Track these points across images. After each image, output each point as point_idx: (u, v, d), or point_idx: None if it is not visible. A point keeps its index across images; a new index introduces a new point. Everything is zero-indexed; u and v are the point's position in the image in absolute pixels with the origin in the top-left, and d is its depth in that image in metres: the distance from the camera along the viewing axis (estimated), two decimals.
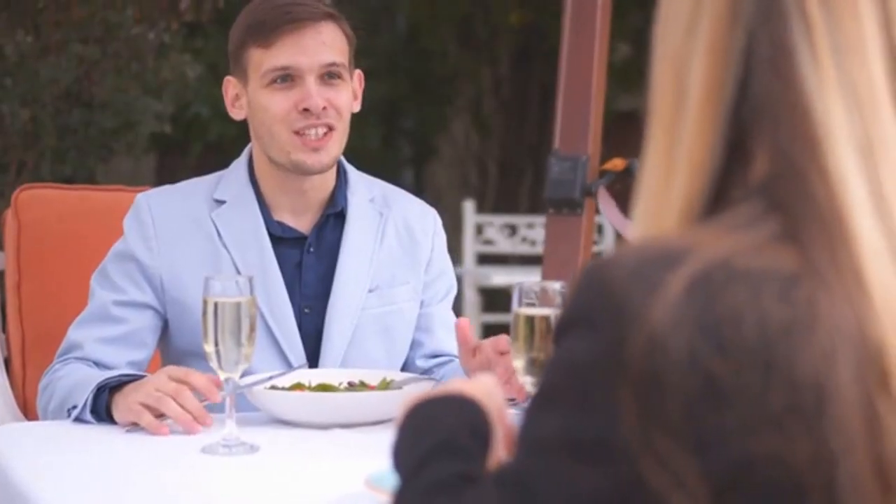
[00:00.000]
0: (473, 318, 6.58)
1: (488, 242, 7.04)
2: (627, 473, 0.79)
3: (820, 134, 0.83)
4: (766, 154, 0.85)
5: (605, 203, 1.88)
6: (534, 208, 8.50)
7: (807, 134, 0.83)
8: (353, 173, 2.22)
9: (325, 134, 2.08)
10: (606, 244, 6.98)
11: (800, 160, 0.82)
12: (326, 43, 2.08)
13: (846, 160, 0.82)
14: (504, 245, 7.05)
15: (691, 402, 0.78)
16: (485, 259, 7.13)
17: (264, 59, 2.07)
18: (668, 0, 0.91)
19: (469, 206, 6.95)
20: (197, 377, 1.84)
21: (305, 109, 2.06)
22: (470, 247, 6.82)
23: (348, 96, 2.12)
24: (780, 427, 0.77)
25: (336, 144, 2.11)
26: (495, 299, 7.33)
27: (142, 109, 4.29)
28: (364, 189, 2.22)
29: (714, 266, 0.80)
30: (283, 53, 2.06)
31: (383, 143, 8.57)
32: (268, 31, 2.07)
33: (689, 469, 0.78)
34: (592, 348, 0.81)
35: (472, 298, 6.60)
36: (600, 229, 6.80)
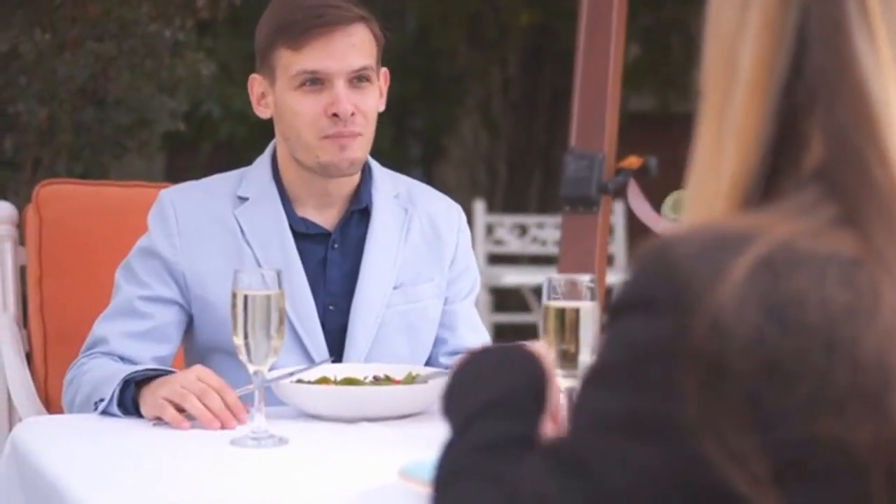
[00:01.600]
0: (484, 318, 6.59)
1: (499, 242, 7.05)
2: (688, 452, 0.80)
3: (879, 115, 0.83)
4: (821, 136, 0.85)
5: (635, 197, 1.87)
6: (543, 208, 8.50)
7: (865, 114, 0.83)
8: (377, 170, 2.23)
9: (352, 137, 2.09)
10: (617, 245, 6.98)
11: (858, 141, 0.83)
12: (356, 46, 2.08)
13: None
14: (514, 245, 7.05)
15: (754, 382, 0.79)
16: (495, 259, 7.14)
17: (293, 62, 2.07)
18: None
19: (479, 206, 6.96)
20: (229, 395, 1.84)
21: (334, 114, 2.07)
22: (480, 247, 6.82)
23: (375, 99, 2.12)
24: (842, 409, 0.78)
25: (362, 148, 2.11)
26: (506, 299, 7.34)
27: (157, 107, 4.29)
28: (389, 185, 2.22)
29: (777, 250, 0.81)
30: (313, 57, 2.06)
31: (393, 143, 8.58)
32: (298, 33, 2.06)
33: (751, 448, 0.78)
34: (653, 330, 0.81)
35: (482, 298, 6.61)
36: (611, 230, 6.80)
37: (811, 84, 0.85)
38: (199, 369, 1.89)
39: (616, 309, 0.85)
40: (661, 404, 0.80)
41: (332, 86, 2.07)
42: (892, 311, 0.79)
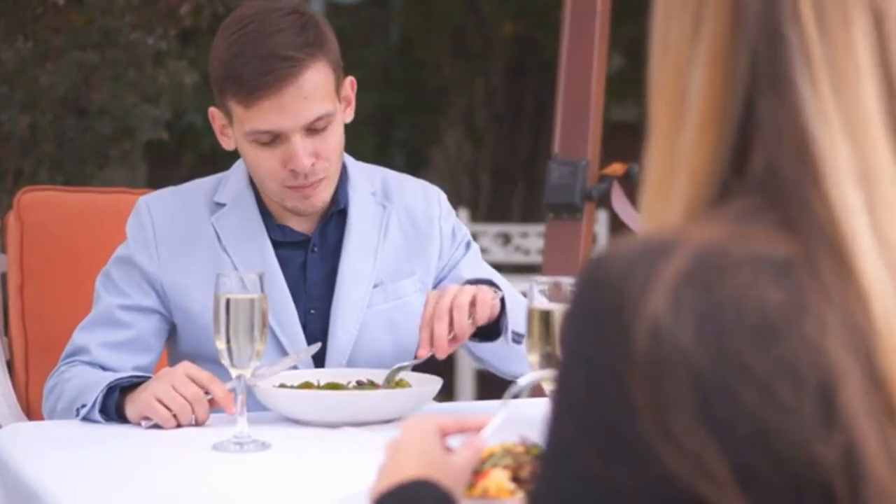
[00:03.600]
0: None
1: (482, 251, 7.05)
2: (655, 466, 0.79)
3: (822, 164, 0.82)
4: (762, 166, 0.85)
5: (619, 200, 1.88)
6: (526, 218, 8.51)
7: (809, 163, 0.82)
8: (353, 167, 2.19)
9: (316, 185, 2.05)
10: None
11: (802, 188, 0.82)
12: (308, 98, 1.99)
13: (848, 191, 0.82)
14: (498, 254, 7.05)
15: (699, 385, 0.78)
16: None
17: (245, 119, 2.00)
18: (667, 2, 0.90)
19: (463, 216, 6.96)
20: (218, 387, 1.85)
21: (293, 169, 2.02)
22: None
23: (338, 135, 2.06)
24: (789, 418, 0.77)
25: (329, 187, 2.08)
26: None
27: (139, 116, 4.28)
28: (365, 183, 2.19)
29: (708, 251, 0.80)
30: (265, 117, 1.98)
31: (376, 153, 8.57)
32: (246, 90, 1.97)
33: (707, 450, 0.78)
34: (597, 344, 0.81)
35: None
36: (594, 239, 6.81)
37: (759, 122, 0.85)
38: (187, 366, 1.88)
39: (563, 331, 0.84)
40: (619, 420, 0.79)
41: (289, 140, 2.00)
42: (830, 322, 0.78)
